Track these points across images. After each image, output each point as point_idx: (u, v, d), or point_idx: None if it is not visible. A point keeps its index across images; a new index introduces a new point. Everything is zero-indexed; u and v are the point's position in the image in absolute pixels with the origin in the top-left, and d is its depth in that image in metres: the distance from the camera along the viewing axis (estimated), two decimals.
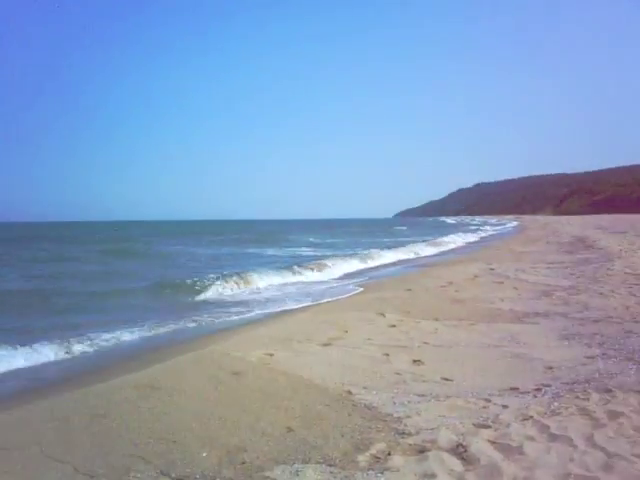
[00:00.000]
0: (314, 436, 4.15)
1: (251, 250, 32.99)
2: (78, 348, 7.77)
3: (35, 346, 7.53)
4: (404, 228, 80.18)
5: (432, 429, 4.21)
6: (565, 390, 5.10)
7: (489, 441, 3.91)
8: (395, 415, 4.59)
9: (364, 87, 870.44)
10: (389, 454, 3.80)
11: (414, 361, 6.30)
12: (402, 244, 31.65)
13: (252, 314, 10.57)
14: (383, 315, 9.05)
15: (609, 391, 4.93)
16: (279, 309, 11.03)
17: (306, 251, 31.67)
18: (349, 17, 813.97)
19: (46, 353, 7.45)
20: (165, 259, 26.70)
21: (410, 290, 12.03)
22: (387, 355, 6.58)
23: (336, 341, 7.32)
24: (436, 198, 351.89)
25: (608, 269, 14.07)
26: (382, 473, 3.52)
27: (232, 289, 14.26)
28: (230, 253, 30.66)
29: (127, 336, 8.56)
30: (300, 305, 11.41)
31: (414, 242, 33.79)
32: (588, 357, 6.25)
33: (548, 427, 4.11)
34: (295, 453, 3.87)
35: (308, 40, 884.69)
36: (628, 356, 6.17)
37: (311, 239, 48.09)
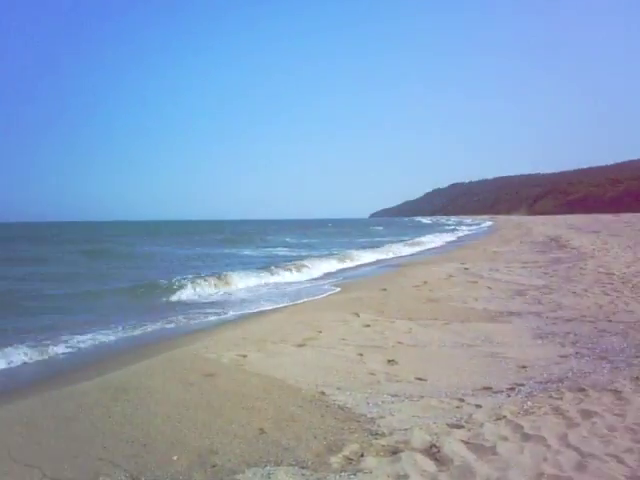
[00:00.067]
0: (287, 438, 4.11)
1: (227, 250, 33.00)
2: (51, 350, 7.60)
3: (7, 349, 7.33)
4: (380, 228, 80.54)
5: (405, 429, 4.20)
6: (539, 389, 5.14)
7: (462, 441, 3.91)
8: (368, 416, 4.57)
9: (348, 84, 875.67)
10: (362, 455, 3.77)
11: (388, 361, 6.29)
12: (378, 244, 31.88)
13: (227, 315, 10.47)
14: (358, 315, 9.03)
15: (582, 390, 4.97)
16: (255, 310, 10.94)
17: (282, 251, 31.78)
18: (339, 11, 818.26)
19: (18, 356, 7.26)
20: (143, 260, 26.50)
21: (385, 290, 12.04)
22: (361, 355, 6.56)
23: (311, 341, 7.28)
24: (412, 198, 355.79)
25: (581, 268, 14.28)
26: (355, 475, 3.49)
27: (208, 290, 14.13)
28: (206, 253, 30.54)
29: (101, 338, 8.41)
30: (276, 306, 11.33)
31: (390, 242, 33.98)
32: (561, 356, 6.30)
33: (521, 427, 4.12)
34: (267, 455, 3.82)
35: (299, 35, 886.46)
36: (601, 355, 6.24)
37: (287, 239, 48.17)
